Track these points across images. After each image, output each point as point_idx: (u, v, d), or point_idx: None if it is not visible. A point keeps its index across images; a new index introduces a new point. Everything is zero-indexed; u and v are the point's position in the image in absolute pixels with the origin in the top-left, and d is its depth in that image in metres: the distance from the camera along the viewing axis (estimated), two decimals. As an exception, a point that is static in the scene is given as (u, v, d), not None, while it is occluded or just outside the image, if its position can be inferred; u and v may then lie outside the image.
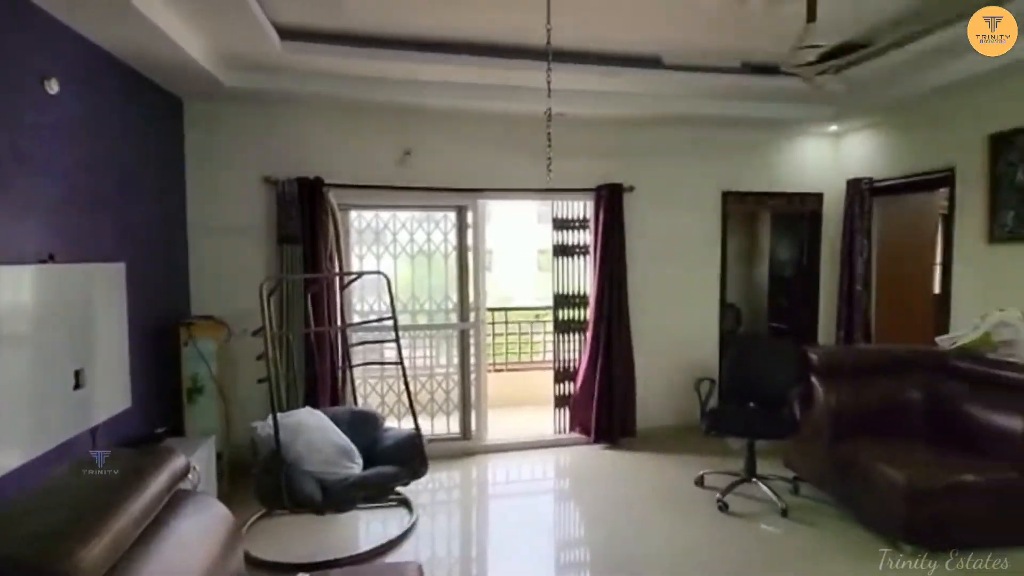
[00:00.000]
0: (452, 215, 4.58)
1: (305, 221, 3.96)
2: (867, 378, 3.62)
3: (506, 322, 6.29)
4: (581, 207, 4.69)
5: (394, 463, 3.08)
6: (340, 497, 2.83)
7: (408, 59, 3.53)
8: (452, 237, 4.59)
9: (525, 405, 5.60)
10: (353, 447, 3.12)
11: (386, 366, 4.44)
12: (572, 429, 4.73)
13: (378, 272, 3.73)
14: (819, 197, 4.95)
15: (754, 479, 3.62)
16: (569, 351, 4.77)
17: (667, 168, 4.71)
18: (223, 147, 3.99)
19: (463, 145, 4.41)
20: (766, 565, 2.95)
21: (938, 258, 4.47)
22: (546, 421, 4.86)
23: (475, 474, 4.28)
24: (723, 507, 3.46)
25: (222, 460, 3.52)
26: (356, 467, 3.06)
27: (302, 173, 3.98)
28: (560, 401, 4.80)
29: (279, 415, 2.92)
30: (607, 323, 4.52)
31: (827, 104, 4.39)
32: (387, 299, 3.59)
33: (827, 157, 4.95)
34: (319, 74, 3.69)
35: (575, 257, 4.73)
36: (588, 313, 4.65)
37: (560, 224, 4.71)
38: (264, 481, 2.80)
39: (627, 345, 4.58)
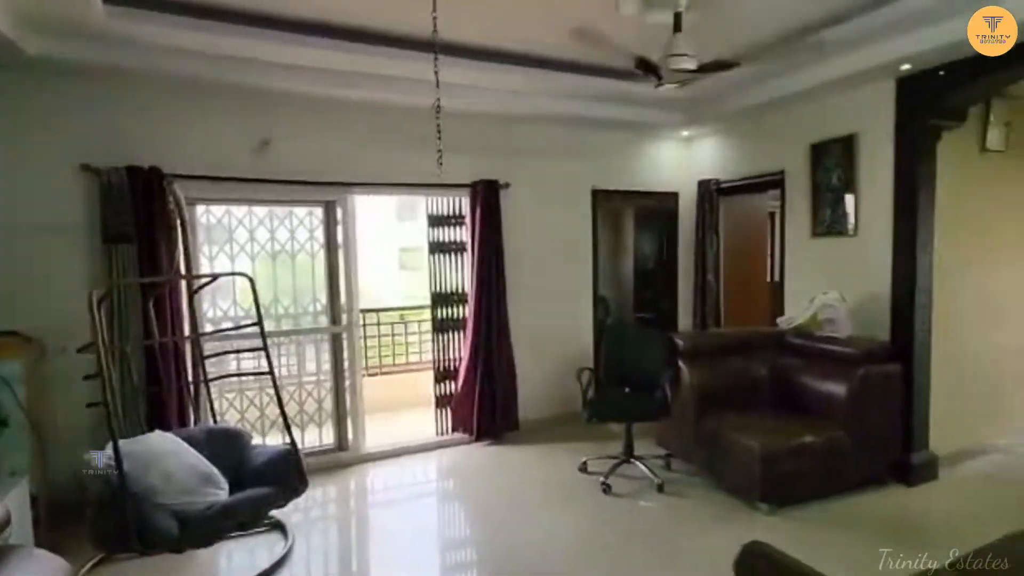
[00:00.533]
0: (319, 211, 4.26)
1: (140, 217, 3.42)
2: (723, 358, 4.00)
3: (378, 324, 6.02)
4: (457, 203, 4.62)
5: (267, 483, 2.76)
6: (204, 529, 2.47)
7: (266, 38, 3.22)
8: (320, 234, 4.27)
9: (405, 409, 5.41)
10: (216, 471, 2.75)
11: (244, 378, 4.00)
12: (455, 429, 4.64)
13: (239, 274, 3.32)
14: (675, 196, 5.39)
15: (632, 459, 3.82)
16: (449, 350, 4.68)
17: (542, 166, 4.82)
18: (28, 129, 3.30)
19: (331, 136, 4.11)
20: (646, 537, 3.13)
21: (772, 250, 5.11)
22: (427, 423, 4.73)
23: (354, 486, 4.02)
24: (606, 489, 3.61)
25: (38, 504, 2.90)
26: (222, 493, 2.69)
27: (134, 162, 3.43)
28: (441, 401, 4.69)
29: (123, 442, 2.47)
30: (486, 320, 4.50)
31: (679, 111, 4.79)
32: (245, 304, 3.21)
33: (681, 159, 5.41)
34: (155, 47, 3.20)
35: (452, 254, 4.64)
36: (467, 311, 4.60)
37: (436, 221, 4.59)
38: (102, 521, 2.35)
39: (507, 340, 4.60)
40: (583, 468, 3.93)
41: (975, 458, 3.97)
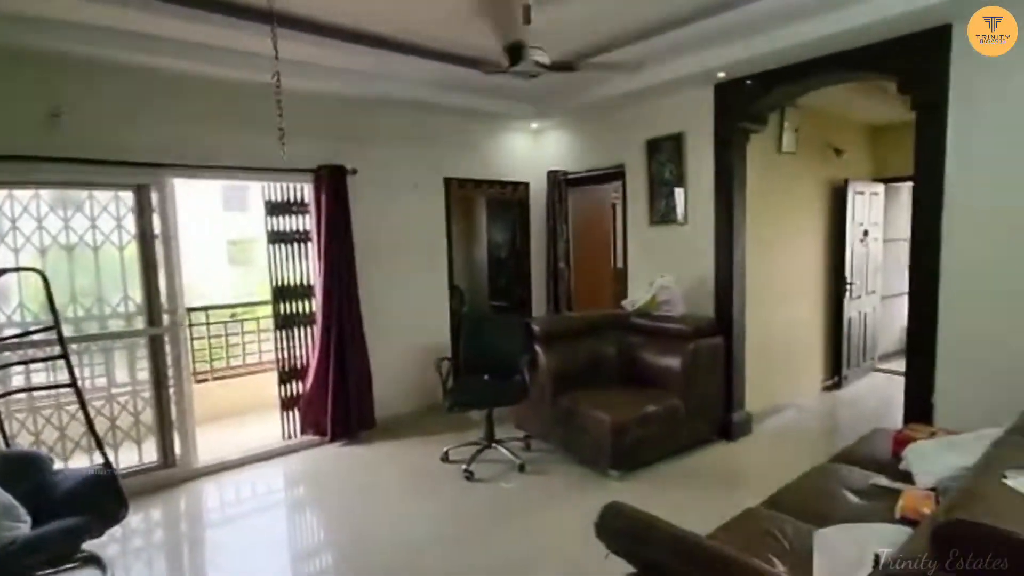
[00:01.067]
0: (128, 196, 3.65)
1: None
2: (576, 341, 4.21)
3: (207, 323, 5.35)
4: (299, 190, 4.26)
5: (78, 512, 2.30)
6: (4, 569, 2.00)
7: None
8: (130, 223, 3.66)
9: (245, 415, 4.91)
10: (14, 501, 2.23)
11: (37, 394, 3.32)
12: (305, 431, 4.31)
13: (29, 269, 2.71)
14: (526, 186, 5.54)
15: (494, 444, 3.87)
16: (296, 348, 4.32)
17: (392, 152, 4.64)
18: None
19: (147, 111, 3.55)
20: (509, 515, 3.20)
21: (615, 238, 5.50)
22: (273, 428, 4.33)
23: (185, 505, 3.55)
24: (469, 476, 3.61)
25: None
26: (23, 526, 2.19)
27: None
28: (288, 403, 4.32)
29: None
30: (337, 313, 4.23)
31: (528, 102, 4.92)
32: (34, 306, 2.64)
33: (531, 150, 5.57)
34: None
35: (295, 245, 4.28)
36: (315, 304, 4.29)
37: (275, 208, 4.19)
38: None
39: (360, 334, 4.37)
40: (445, 458, 3.88)
41: (778, 414, 4.66)
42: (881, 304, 5.94)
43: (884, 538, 1.59)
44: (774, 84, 3.76)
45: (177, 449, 3.74)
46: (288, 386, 4.32)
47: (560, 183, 5.27)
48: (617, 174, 4.87)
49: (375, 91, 4.15)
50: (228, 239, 12.18)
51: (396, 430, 4.52)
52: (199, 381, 5.03)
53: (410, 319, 4.81)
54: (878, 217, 5.74)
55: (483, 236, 6.19)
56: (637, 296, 4.40)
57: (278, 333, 4.25)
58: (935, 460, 2.18)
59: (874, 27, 3.02)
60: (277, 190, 4.18)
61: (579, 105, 4.72)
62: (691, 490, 3.41)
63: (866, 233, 5.54)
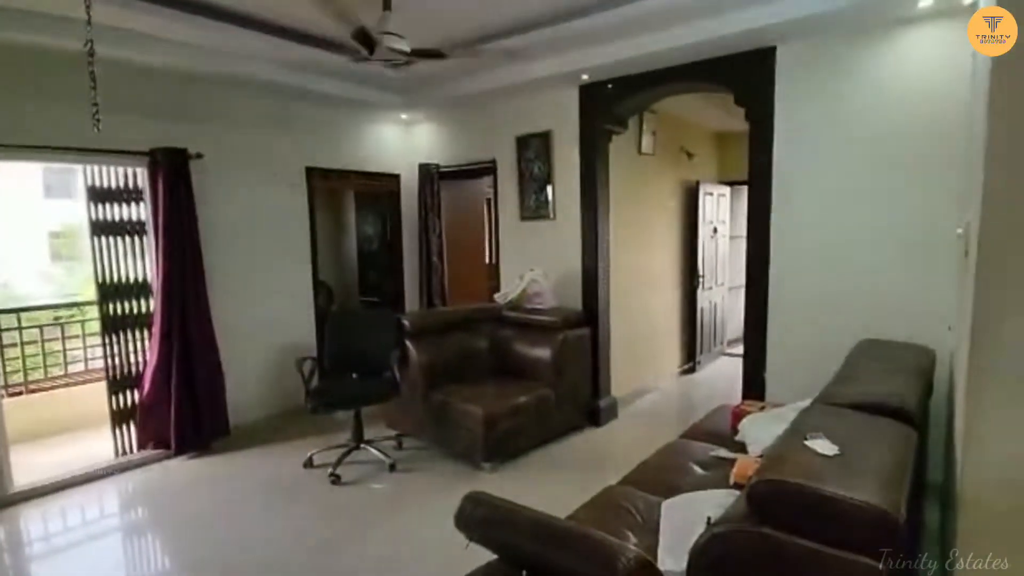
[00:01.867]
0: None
1: None
2: (448, 335, 4.16)
3: (19, 328, 4.52)
4: (130, 175, 3.77)
5: None
6: None
7: None
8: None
9: (73, 431, 4.26)
10: None
11: None
12: (144, 445, 3.82)
13: None
14: (397, 178, 5.38)
15: (362, 445, 3.71)
16: (127, 353, 3.81)
17: (245, 137, 4.26)
18: None
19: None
20: (378, 516, 3.08)
21: (488, 232, 5.53)
22: (104, 444, 3.79)
23: (-11, 543, 2.99)
24: (335, 479, 3.42)
25: None
26: None
27: None
28: (122, 416, 3.81)
29: None
30: (180, 313, 3.80)
31: (396, 92, 4.78)
32: None
33: (401, 142, 5.43)
34: None
35: (124, 236, 3.77)
36: (153, 304, 3.82)
37: (101, 195, 3.66)
38: None
39: (209, 336, 3.97)
40: (309, 463, 3.65)
41: (642, 397, 4.99)
42: (729, 294, 6.59)
43: (718, 503, 1.73)
44: (632, 89, 3.99)
45: (-24, 477, 3.13)
46: (121, 396, 3.80)
47: (432, 176, 5.19)
48: (489, 169, 4.89)
49: (224, 69, 3.77)
50: (51, 230, 10.53)
51: (254, 437, 4.17)
52: (12, 394, 4.27)
53: (270, 317, 4.46)
54: (725, 216, 6.36)
55: (352, 229, 5.93)
56: (508, 290, 4.45)
57: (107, 337, 3.71)
58: (762, 430, 2.43)
59: (714, 43, 3.31)
60: (103, 174, 3.65)
61: (450, 98, 4.66)
62: (561, 476, 3.52)
63: (715, 230, 6.10)
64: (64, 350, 4.62)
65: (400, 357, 3.81)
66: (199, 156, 3.91)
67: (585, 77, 4.03)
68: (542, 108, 4.45)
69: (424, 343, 3.97)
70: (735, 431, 2.84)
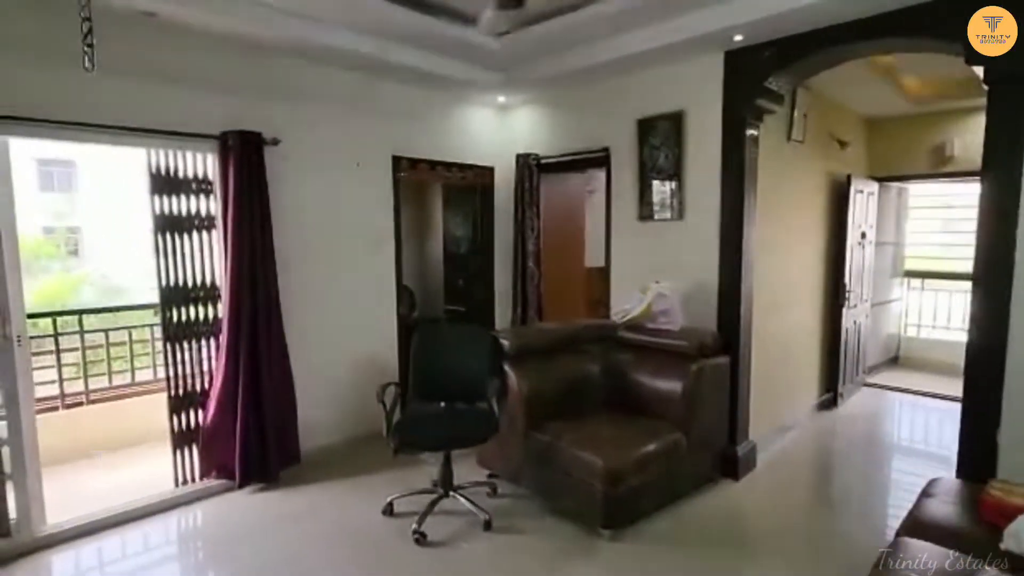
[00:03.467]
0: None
1: None
2: (554, 358, 3.43)
3: (81, 331, 4.10)
4: (199, 162, 3.29)
5: None
6: None
7: None
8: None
9: (135, 445, 3.90)
10: None
11: None
12: (207, 474, 3.35)
13: None
14: (491, 171, 4.72)
15: (452, 493, 3.05)
16: (192, 365, 3.34)
17: (326, 118, 3.72)
18: None
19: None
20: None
21: (587, 234, 4.77)
22: (163, 470, 3.35)
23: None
24: (420, 539, 2.77)
25: None
26: None
27: None
28: (184, 438, 3.34)
29: None
30: (251, 321, 3.29)
31: (495, 70, 4.10)
32: None
33: (497, 129, 4.76)
34: None
35: (192, 233, 3.29)
36: (221, 310, 3.33)
37: (164, 185, 3.18)
38: None
39: (281, 347, 3.45)
40: (389, 511, 3.03)
41: (779, 439, 4.06)
42: (871, 312, 5.49)
43: None
44: (800, 52, 3.11)
45: (12, 510, 2.71)
46: (183, 416, 3.34)
47: (531, 169, 4.48)
48: (600, 160, 4.12)
49: (306, 37, 3.22)
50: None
51: (327, 467, 3.62)
52: (70, 405, 3.95)
53: (348, 327, 3.91)
54: (872, 219, 5.27)
55: (438, 228, 5.32)
56: (627, 304, 3.65)
57: (169, 348, 3.25)
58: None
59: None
60: (169, 160, 3.19)
61: (557, 74, 3.93)
62: (702, 553, 2.72)
63: (863, 235, 5.05)
64: (131, 355, 4.26)
65: (500, 387, 3.11)
66: (275, 142, 3.39)
67: (738, 38, 3.18)
68: (674, 83, 3.64)
69: (526, 368, 3.27)
70: (993, 531, 1.95)
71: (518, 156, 4.54)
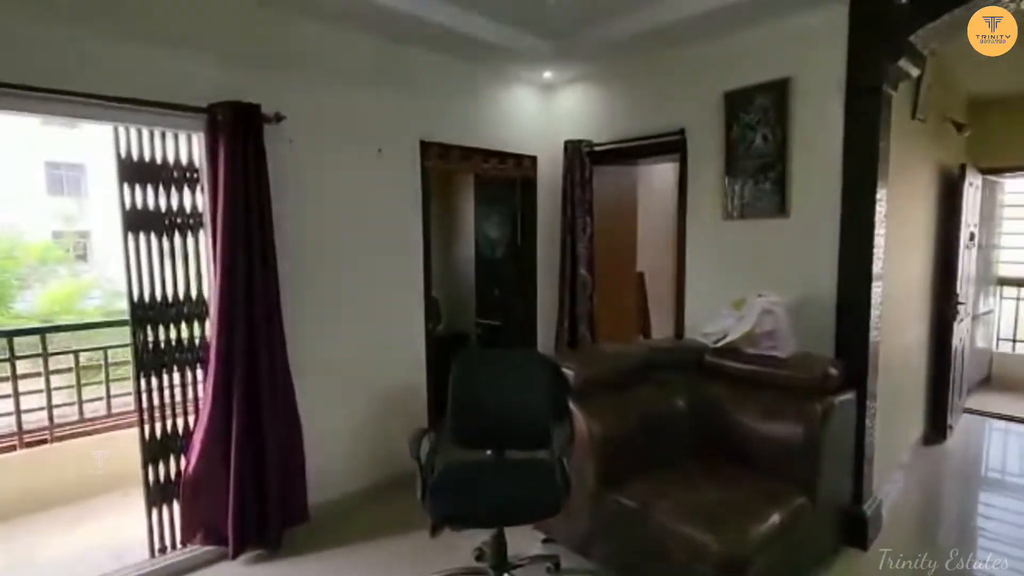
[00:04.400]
0: None
1: None
2: (627, 391, 2.70)
3: (45, 353, 3.36)
4: (181, 143, 2.59)
5: None
6: None
7: None
8: None
9: (107, 492, 3.21)
10: None
11: None
12: (191, 538, 2.63)
13: None
14: (533, 161, 4.00)
15: (507, 574, 2.33)
16: (172, 400, 2.64)
17: (342, 93, 3.02)
18: None
19: None
20: None
21: (638, 235, 4.03)
22: (133, 531, 2.65)
23: None
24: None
25: None
26: None
27: None
28: (161, 494, 2.63)
29: None
30: (246, 344, 2.59)
31: (544, 36, 3.39)
32: None
33: (541, 113, 4.04)
34: None
35: (172, 234, 2.59)
36: (208, 331, 2.63)
37: (137, 172, 2.49)
38: None
39: (284, 376, 2.74)
40: (425, 599, 2.32)
41: (893, 486, 3.29)
42: (971, 325, 4.71)
43: None
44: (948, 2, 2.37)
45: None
46: (160, 465, 2.63)
47: (583, 157, 3.76)
48: (672, 145, 3.38)
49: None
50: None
51: (343, 526, 2.91)
52: (30, 443, 3.26)
53: (368, 349, 3.20)
54: (977, 216, 4.50)
55: (469, 228, 4.59)
56: (728, 323, 2.88)
57: (142, 379, 2.55)
58: None
59: None
60: (139, 139, 2.50)
61: (619, 39, 3.22)
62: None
63: (972, 236, 4.27)
64: (107, 380, 3.55)
65: (569, 436, 2.38)
66: (278, 119, 2.69)
67: (875, -19, 2.45)
68: (777, 44, 2.90)
69: (595, 405, 2.54)
70: None
71: (567, 143, 3.81)
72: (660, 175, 4.47)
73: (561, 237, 3.87)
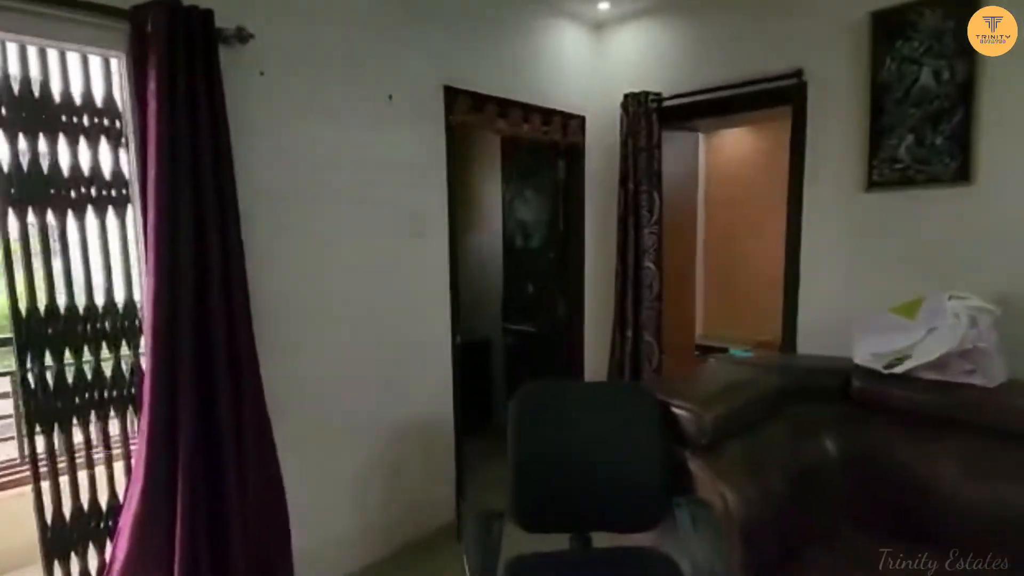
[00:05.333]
0: None
1: None
2: (756, 434, 1.87)
3: None
4: (93, 71, 1.70)
5: None
6: None
7: None
8: None
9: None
10: None
11: None
12: (121, 665, 1.77)
13: None
14: (580, 121, 3.13)
15: None
16: (85, 460, 1.76)
17: (338, 11, 2.13)
18: None
19: None
20: None
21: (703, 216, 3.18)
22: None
23: None
24: None
25: None
26: None
27: None
28: (77, 598, 1.77)
29: None
30: (197, 371, 1.72)
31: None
32: None
33: (592, 60, 3.16)
34: None
35: (86, 211, 1.71)
36: (143, 351, 1.74)
37: (19, 113, 1.59)
38: None
39: (257, 415, 1.87)
40: None
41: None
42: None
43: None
44: None
45: None
46: (71, 558, 1.75)
47: (649, 115, 2.89)
48: (780, 93, 2.53)
49: None
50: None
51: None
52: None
53: (372, 371, 2.33)
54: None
55: (494, 207, 3.68)
56: (906, 341, 2.02)
57: (30, 431, 1.66)
58: None
59: None
60: (23, 61, 1.60)
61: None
62: None
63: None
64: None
65: (693, 513, 1.54)
66: (242, 37, 1.80)
67: None
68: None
69: (725, 460, 1.70)
70: None
71: (628, 97, 2.94)
72: (728, 141, 3.62)
73: (619, 220, 3.01)
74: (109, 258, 1.76)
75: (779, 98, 2.54)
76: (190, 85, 1.66)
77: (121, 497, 1.78)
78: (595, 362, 3.28)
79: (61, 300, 1.68)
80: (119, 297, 1.78)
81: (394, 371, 2.39)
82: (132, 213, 1.78)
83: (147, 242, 1.66)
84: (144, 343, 1.75)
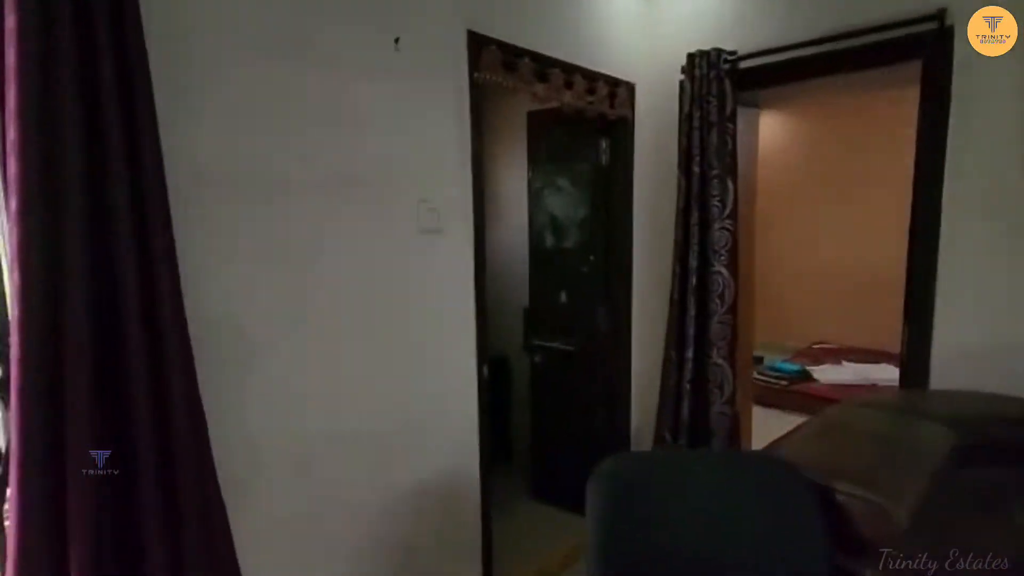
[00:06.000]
0: None
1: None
2: (954, 526, 1.27)
3: None
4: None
5: None
6: None
7: None
8: None
9: None
10: None
11: None
12: None
13: None
14: (630, 90, 2.52)
15: None
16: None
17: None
18: None
19: None
20: None
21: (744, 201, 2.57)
22: None
23: None
24: None
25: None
26: None
27: None
28: None
29: None
30: (96, 423, 1.09)
31: None
32: None
33: (643, 14, 2.55)
34: None
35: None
36: (10, 383, 1.09)
37: None
38: None
39: (201, 484, 1.24)
40: None
41: None
42: None
43: None
44: None
45: None
46: None
47: (721, 78, 2.28)
48: (908, 44, 1.92)
49: None
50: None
51: None
52: None
53: (375, 417, 1.70)
54: None
55: (519, 200, 3.03)
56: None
57: None
58: None
59: None
60: None
61: None
62: None
63: None
64: None
65: None
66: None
67: None
68: None
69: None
70: None
71: (694, 57, 2.32)
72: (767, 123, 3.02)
73: (678, 214, 2.40)
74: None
75: (903, 52, 1.94)
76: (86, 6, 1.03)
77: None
78: (641, 387, 2.68)
79: None
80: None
81: (400, 421, 1.76)
82: (-2, 192, 1.14)
83: (9, 246, 1.03)
84: (12, 360, 1.10)
